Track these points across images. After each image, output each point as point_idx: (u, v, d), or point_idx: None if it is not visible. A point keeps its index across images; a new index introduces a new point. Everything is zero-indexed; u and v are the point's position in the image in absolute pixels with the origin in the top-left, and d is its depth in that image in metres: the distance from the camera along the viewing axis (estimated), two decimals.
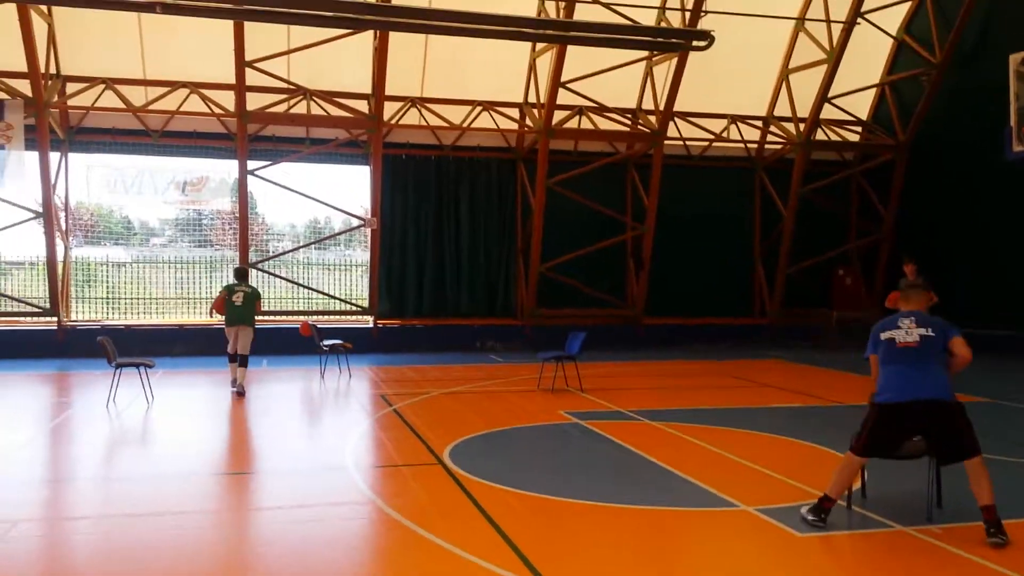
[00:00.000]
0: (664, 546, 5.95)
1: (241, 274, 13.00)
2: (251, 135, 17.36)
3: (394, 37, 16.12)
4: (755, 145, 20.89)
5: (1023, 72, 10.86)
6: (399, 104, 18.31)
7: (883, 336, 6.24)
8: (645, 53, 17.69)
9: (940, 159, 19.57)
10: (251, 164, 17.31)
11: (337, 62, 17.22)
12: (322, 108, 17.58)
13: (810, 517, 6.14)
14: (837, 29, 18.49)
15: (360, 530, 6.25)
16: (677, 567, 5.63)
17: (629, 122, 19.36)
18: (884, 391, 6.15)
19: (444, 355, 17.57)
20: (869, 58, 20.01)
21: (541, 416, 10.58)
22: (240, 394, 11.99)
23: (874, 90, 20.72)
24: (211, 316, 13.52)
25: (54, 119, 16.69)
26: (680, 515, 6.50)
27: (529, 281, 19.06)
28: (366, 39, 16.70)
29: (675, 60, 17.70)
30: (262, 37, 15.84)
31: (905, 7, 19.45)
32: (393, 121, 18.18)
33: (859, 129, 21.13)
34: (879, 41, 19.74)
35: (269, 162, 17.60)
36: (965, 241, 18.16)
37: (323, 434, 10.36)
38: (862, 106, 21.00)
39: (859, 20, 18.48)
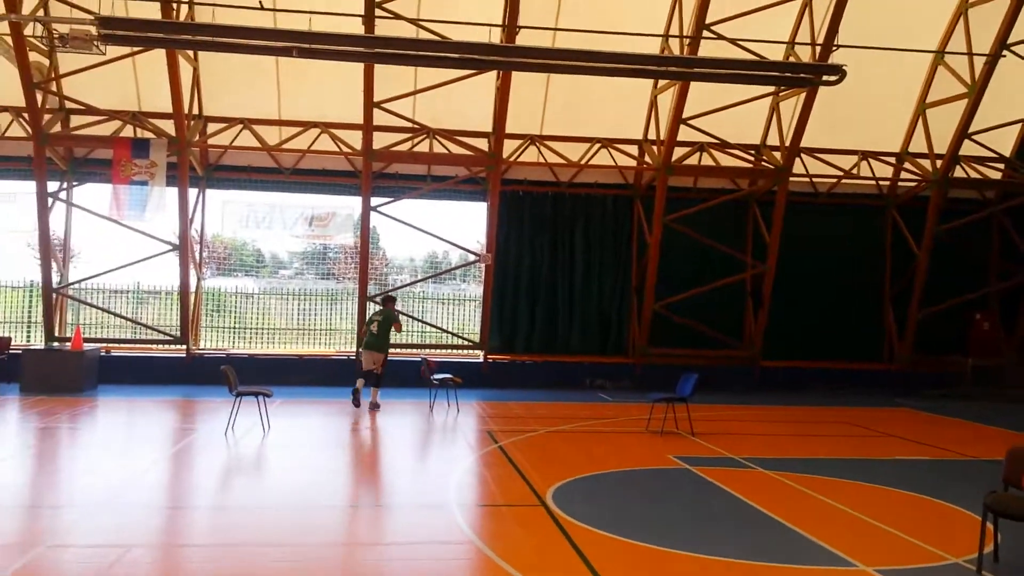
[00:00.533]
0: None
1: (384, 301, 14.93)
2: (375, 172, 17.91)
3: (516, 75, 16.35)
4: (887, 182, 19.94)
5: None
6: (518, 141, 18.50)
7: None
8: (771, 88, 17.26)
9: None
10: (374, 200, 17.84)
11: (460, 101, 17.60)
12: (444, 146, 17.97)
13: None
14: (980, 62, 17.51)
15: (457, 571, 6.20)
16: None
17: (753, 158, 18.88)
18: None
19: (552, 392, 17.45)
20: (1014, 91, 18.83)
21: (649, 460, 10.30)
22: (373, 407, 14.00)
23: (1019, 125, 19.45)
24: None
25: (194, 157, 17.73)
26: (794, 573, 6.13)
27: (642, 319, 18.74)
28: (489, 78, 17.01)
29: (803, 95, 17.18)
30: (390, 78, 16.38)
31: None
32: (512, 158, 18.38)
33: (1001, 166, 19.85)
34: None
35: (391, 199, 18.10)
36: None
37: (428, 469, 10.41)
38: (1005, 142, 19.73)
39: (1004, 53, 17.45)
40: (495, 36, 15.18)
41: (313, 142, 17.87)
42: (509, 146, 18.16)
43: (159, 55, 15.45)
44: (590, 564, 6.11)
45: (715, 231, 18.91)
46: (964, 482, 9.20)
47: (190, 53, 16.37)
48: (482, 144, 17.93)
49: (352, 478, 9.60)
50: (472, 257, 19.30)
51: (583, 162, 18.58)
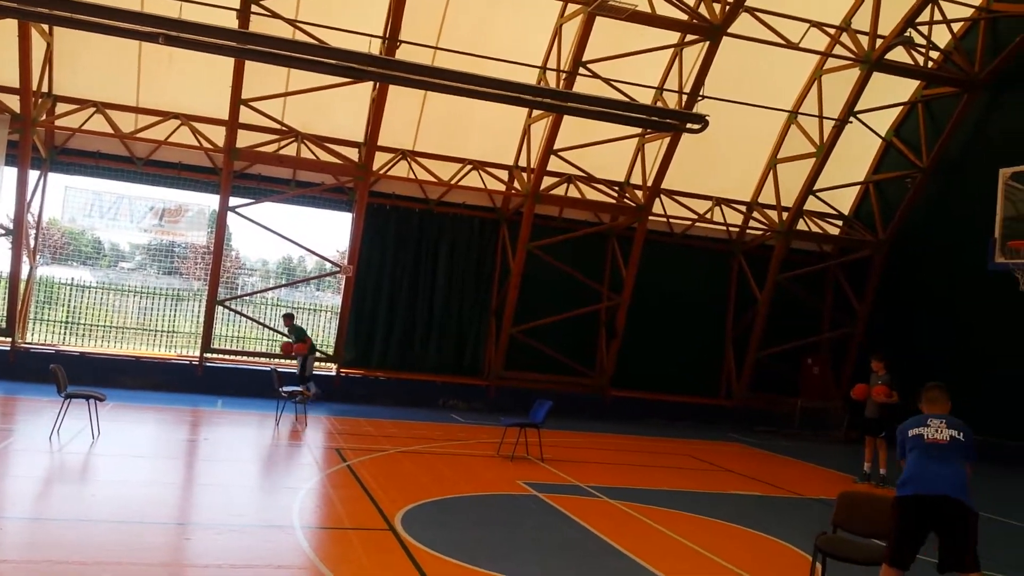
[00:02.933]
0: None
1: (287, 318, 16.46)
2: (236, 171, 17.22)
3: (393, 89, 16.17)
4: (737, 229, 21.04)
5: (1012, 186, 10.99)
6: (390, 155, 18.30)
7: (911, 433, 6.08)
8: (639, 129, 17.88)
9: (919, 260, 19.79)
10: (233, 200, 17.13)
11: (332, 108, 17.21)
12: (312, 152, 17.51)
13: None
14: (828, 125, 18.83)
15: None
16: None
17: (616, 194, 19.47)
18: (906, 484, 5.92)
19: (405, 410, 17.25)
20: (857, 155, 20.36)
21: (499, 485, 10.30)
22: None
23: (859, 187, 21.04)
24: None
25: (39, 137, 16.47)
26: None
27: (499, 342, 18.86)
28: (364, 88, 16.72)
29: (667, 139, 17.89)
30: (260, 76, 15.83)
31: (897, 111, 19.88)
32: (382, 171, 18.15)
33: (840, 223, 21.38)
34: (868, 140, 20.11)
35: (252, 200, 17.43)
36: (941, 343, 18.22)
37: (270, 487, 9.98)
38: (845, 201, 21.29)
39: (851, 119, 18.84)
40: (375, 47, 14.99)
41: (171, 134, 17.01)
42: (380, 158, 17.93)
43: (10, 25, 14.31)
44: None
45: (576, 261, 19.36)
46: (794, 519, 9.70)
47: (44, 27, 15.22)
48: (352, 154, 17.62)
49: (187, 493, 9.07)
50: (331, 267, 18.84)
51: (453, 182, 18.59)
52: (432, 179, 18.46)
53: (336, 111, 17.34)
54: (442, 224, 19.19)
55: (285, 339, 16.74)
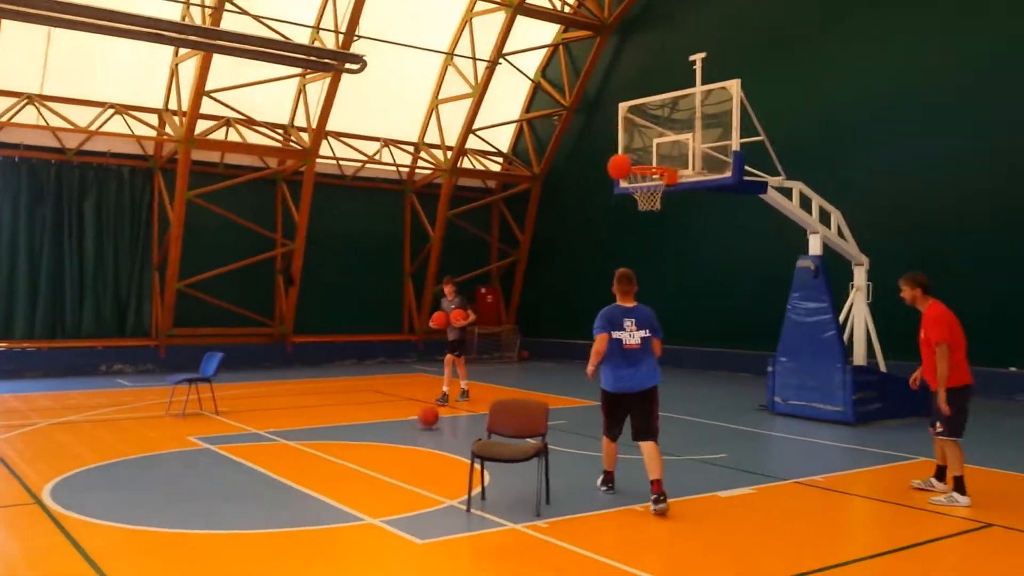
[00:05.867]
0: (286, 570, 5.73)
1: None
2: None
3: (8, 26, 14.17)
4: (407, 169, 21.50)
5: (629, 118, 12.30)
6: (13, 100, 16.13)
7: (614, 335, 7.21)
8: (299, 70, 17.43)
9: (566, 190, 21.67)
10: None
11: None
12: None
13: (602, 488, 7.62)
14: (482, 67, 19.73)
15: None
16: None
17: (281, 137, 18.91)
18: (610, 381, 7.31)
19: (61, 380, 15.68)
20: (511, 96, 21.64)
21: (166, 443, 9.79)
22: None
23: (514, 125, 22.40)
24: None
25: None
26: (306, 535, 6.32)
27: (165, 299, 17.71)
28: None
29: (328, 80, 17.65)
30: None
31: (542, 53, 21.32)
32: (5, 118, 15.96)
33: (501, 160, 22.67)
34: (520, 82, 21.41)
35: None
36: (585, 262, 20.26)
37: None
38: (504, 139, 22.60)
39: (501, 60, 19.89)
40: None
41: None
42: (2, 104, 15.77)
43: None
44: (90, 559, 5.63)
45: (244, 209, 18.66)
46: (466, 435, 10.34)
47: None
48: None
49: None
50: None
51: (93, 128, 16.88)
52: (67, 126, 16.60)
53: None
54: (85, 175, 17.40)
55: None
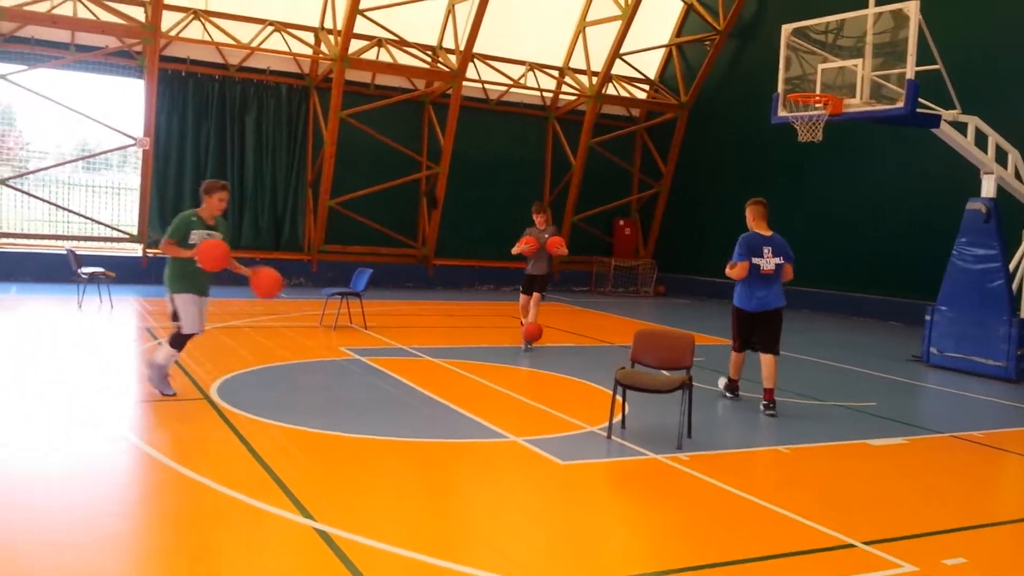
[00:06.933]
0: (433, 477, 5.98)
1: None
2: (5, 35, 15.39)
3: None
4: (551, 94, 21.27)
5: (793, 42, 11.64)
6: (180, 15, 16.89)
7: (754, 260, 8.15)
8: None
9: (715, 121, 20.88)
10: (3, 68, 15.37)
11: None
12: (90, 11, 15.86)
13: (727, 394, 8.71)
14: None
15: (112, 467, 5.79)
16: (444, 496, 5.69)
17: (429, 59, 19.05)
18: (744, 300, 8.32)
19: (223, 289, 16.64)
20: (661, 19, 20.88)
21: (320, 352, 10.32)
22: None
23: (663, 50, 21.67)
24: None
25: None
26: (451, 447, 6.56)
27: (318, 215, 18.46)
28: None
29: (478, 0, 17.55)
30: None
31: None
32: (173, 33, 16.76)
33: (647, 87, 22.07)
34: (671, 3, 20.61)
35: (25, 67, 15.72)
36: (729, 197, 19.53)
37: (76, 367, 9.51)
38: (652, 65, 21.93)
39: None
40: None
41: None
42: (169, 19, 16.54)
43: None
44: (256, 453, 6.04)
45: (392, 130, 19.01)
46: (604, 364, 10.38)
47: None
48: (137, 13, 16.14)
49: None
50: (128, 141, 17.49)
51: (254, 45, 17.49)
52: (230, 42, 17.28)
53: None
54: (246, 91, 18.14)
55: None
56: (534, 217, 11.65)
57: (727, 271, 8.24)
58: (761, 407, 8.13)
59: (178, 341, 7.61)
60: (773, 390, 8.13)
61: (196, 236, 7.44)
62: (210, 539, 4.54)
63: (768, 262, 8.12)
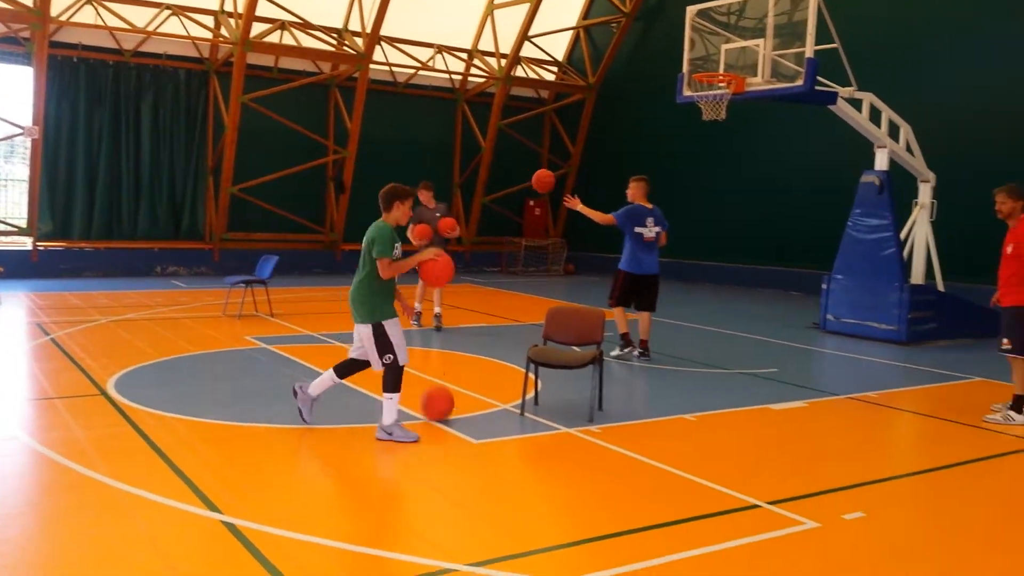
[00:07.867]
0: (345, 464, 5.88)
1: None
2: None
3: None
4: (460, 77, 21.14)
5: (697, 23, 11.84)
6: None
7: (636, 230, 9.41)
8: None
9: (621, 102, 21.13)
10: None
11: None
12: None
13: (624, 351, 9.55)
14: None
15: (0, 469, 5.49)
16: (357, 483, 5.60)
17: (335, 42, 18.67)
18: (630, 265, 9.53)
19: (118, 281, 16.07)
20: (568, 2, 20.98)
21: (224, 342, 10.02)
22: None
23: (571, 33, 21.78)
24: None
25: None
26: (363, 432, 6.45)
27: (219, 202, 17.91)
28: None
29: None
30: None
31: None
32: (64, 18, 15.95)
33: (555, 69, 22.15)
34: None
35: None
36: (644, 174, 19.79)
37: None
38: (560, 47, 22.02)
39: None
40: None
41: None
42: (59, 3, 15.75)
43: None
44: (158, 448, 5.82)
45: (297, 114, 18.59)
46: (516, 343, 10.41)
47: None
48: None
49: None
50: (15, 130, 16.59)
51: (150, 29, 16.81)
52: (125, 26, 16.56)
53: None
54: (142, 77, 17.45)
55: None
56: (419, 195, 10.64)
57: (598, 217, 9.29)
58: (636, 354, 9.47)
59: (398, 377, 6.22)
60: (648, 341, 9.57)
61: (398, 249, 6.43)
62: (111, 538, 4.34)
63: (651, 231, 9.42)
